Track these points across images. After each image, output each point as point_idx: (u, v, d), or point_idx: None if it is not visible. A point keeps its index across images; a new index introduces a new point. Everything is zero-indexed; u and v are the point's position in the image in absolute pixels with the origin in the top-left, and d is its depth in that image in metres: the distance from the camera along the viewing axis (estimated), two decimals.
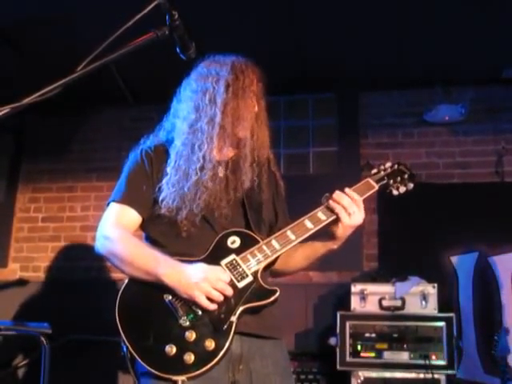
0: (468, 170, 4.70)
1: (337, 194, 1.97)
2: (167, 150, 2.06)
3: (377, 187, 2.10)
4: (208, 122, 1.99)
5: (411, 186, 2.14)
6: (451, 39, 4.03)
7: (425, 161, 4.77)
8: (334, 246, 2.02)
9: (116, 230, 1.94)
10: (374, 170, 2.15)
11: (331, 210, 1.97)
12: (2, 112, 1.19)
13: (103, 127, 5.37)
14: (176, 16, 1.52)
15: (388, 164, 2.17)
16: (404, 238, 4.45)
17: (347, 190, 1.99)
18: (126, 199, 1.99)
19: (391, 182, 2.13)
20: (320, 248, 2.05)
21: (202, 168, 1.96)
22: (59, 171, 5.37)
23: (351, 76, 4.71)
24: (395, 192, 2.13)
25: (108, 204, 2.03)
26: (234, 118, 2.01)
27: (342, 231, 1.97)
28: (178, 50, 1.63)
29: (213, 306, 1.79)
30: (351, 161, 4.78)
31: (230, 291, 1.80)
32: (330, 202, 1.97)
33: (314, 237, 2.02)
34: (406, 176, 2.16)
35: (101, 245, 1.95)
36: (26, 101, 1.21)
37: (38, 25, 3.83)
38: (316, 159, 4.97)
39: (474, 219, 4.31)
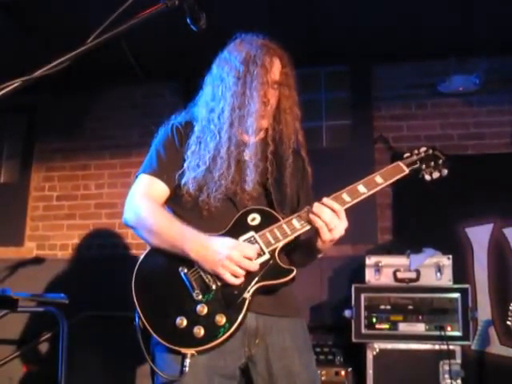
0: (483, 140, 4.64)
1: (316, 207, 1.86)
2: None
3: (407, 171, 2.02)
4: (219, 114, 1.99)
5: (445, 172, 2.07)
6: (465, 9, 3.96)
7: (439, 132, 4.72)
8: (318, 255, 2.04)
9: (146, 201, 1.95)
10: (407, 154, 2.08)
11: (309, 222, 1.89)
12: (14, 85, 1.19)
13: (115, 104, 5.35)
14: None
15: (422, 148, 2.09)
16: (418, 211, 4.42)
17: (325, 200, 1.88)
18: (156, 172, 2.00)
19: (424, 166, 2.06)
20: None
21: (214, 158, 1.95)
22: (72, 150, 5.38)
23: (364, 48, 4.65)
24: (428, 177, 2.06)
25: (137, 176, 2.04)
26: (243, 113, 1.98)
27: (323, 245, 1.92)
28: (188, 21, 1.62)
29: (238, 281, 1.79)
30: (365, 134, 4.76)
31: (255, 267, 1.80)
32: (310, 215, 1.87)
33: None
34: (440, 161, 2.08)
35: (129, 215, 1.97)
36: (37, 73, 1.21)
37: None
38: (329, 133, 4.94)
39: (489, 190, 4.27)
